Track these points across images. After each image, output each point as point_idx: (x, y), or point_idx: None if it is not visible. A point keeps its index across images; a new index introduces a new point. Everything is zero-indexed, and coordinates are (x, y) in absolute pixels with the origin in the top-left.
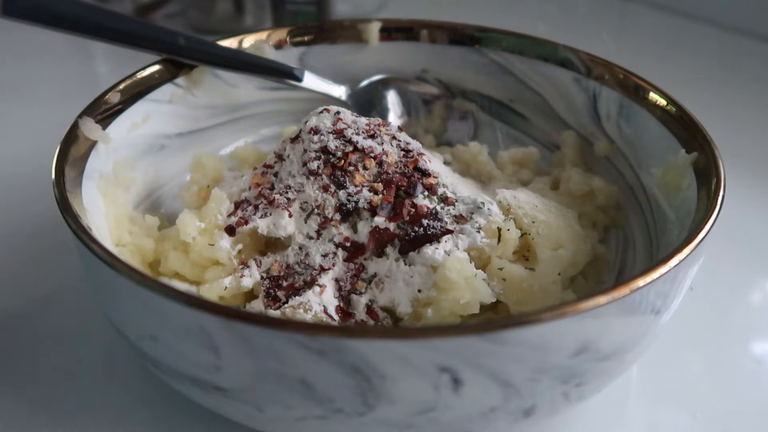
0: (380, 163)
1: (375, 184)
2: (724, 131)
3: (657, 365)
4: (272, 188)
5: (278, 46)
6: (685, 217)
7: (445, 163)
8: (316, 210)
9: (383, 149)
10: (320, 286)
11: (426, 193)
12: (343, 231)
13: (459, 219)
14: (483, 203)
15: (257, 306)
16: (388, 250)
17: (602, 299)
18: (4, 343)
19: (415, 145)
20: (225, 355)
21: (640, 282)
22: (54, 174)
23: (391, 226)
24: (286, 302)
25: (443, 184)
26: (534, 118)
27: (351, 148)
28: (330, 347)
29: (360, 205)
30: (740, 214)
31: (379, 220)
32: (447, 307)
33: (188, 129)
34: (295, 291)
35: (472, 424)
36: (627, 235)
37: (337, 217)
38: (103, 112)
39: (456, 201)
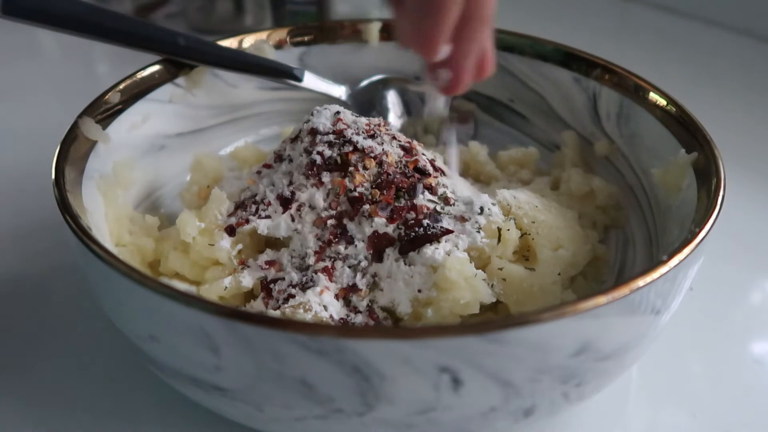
0: (380, 163)
1: (374, 190)
2: (724, 131)
3: (657, 365)
4: (272, 188)
5: (278, 46)
6: (685, 217)
7: (446, 163)
8: (315, 210)
9: (383, 149)
10: (320, 286)
11: (426, 193)
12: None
13: (459, 219)
14: (483, 203)
15: (257, 306)
16: (388, 250)
17: (602, 299)
18: (3, 343)
19: (415, 145)
20: (225, 355)
21: (640, 282)
22: (54, 174)
23: (390, 228)
24: (286, 302)
25: (443, 184)
26: (534, 118)
27: (351, 148)
28: (330, 347)
29: (360, 205)
30: (740, 214)
31: (379, 221)
32: (447, 307)
33: (188, 129)
34: (294, 291)
35: (472, 424)
36: (627, 235)
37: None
38: (103, 112)
39: (456, 201)
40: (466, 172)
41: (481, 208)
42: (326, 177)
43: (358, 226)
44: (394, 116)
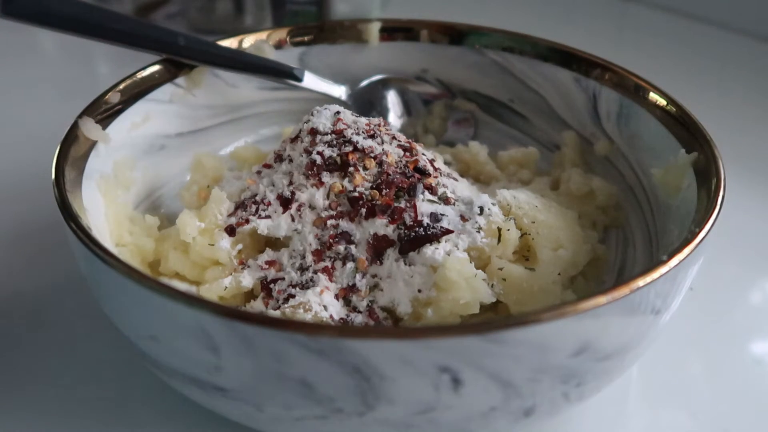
0: (380, 164)
1: (373, 191)
2: (724, 131)
3: (657, 365)
4: (272, 188)
5: (278, 46)
6: (685, 217)
7: (446, 163)
8: (315, 210)
9: (383, 149)
10: (320, 286)
11: (426, 193)
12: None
13: (459, 219)
14: (483, 203)
15: (257, 306)
16: (389, 250)
17: (602, 299)
18: (3, 343)
19: (415, 145)
20: (225, 355)
21: (640, 282)
22: (54, 174)
23: (390, 230)
24: (286, 302)
25: (443, 184)
26: (534, 118)
27: (351, 148)
28: (330, 347)
29: (360, 205)
30: (740, 214)
31: (380, 222)
32: (447, 307)
33: (188, 129)
34: (294, 291)
35: (472, 424)
36: (627, 235)
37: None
38: (103, 112)
39: (456, 201)
40: (466, 172)
41: (481, 208)
42: (326, 177)
43: (358, 227)
44: (394, 116)
